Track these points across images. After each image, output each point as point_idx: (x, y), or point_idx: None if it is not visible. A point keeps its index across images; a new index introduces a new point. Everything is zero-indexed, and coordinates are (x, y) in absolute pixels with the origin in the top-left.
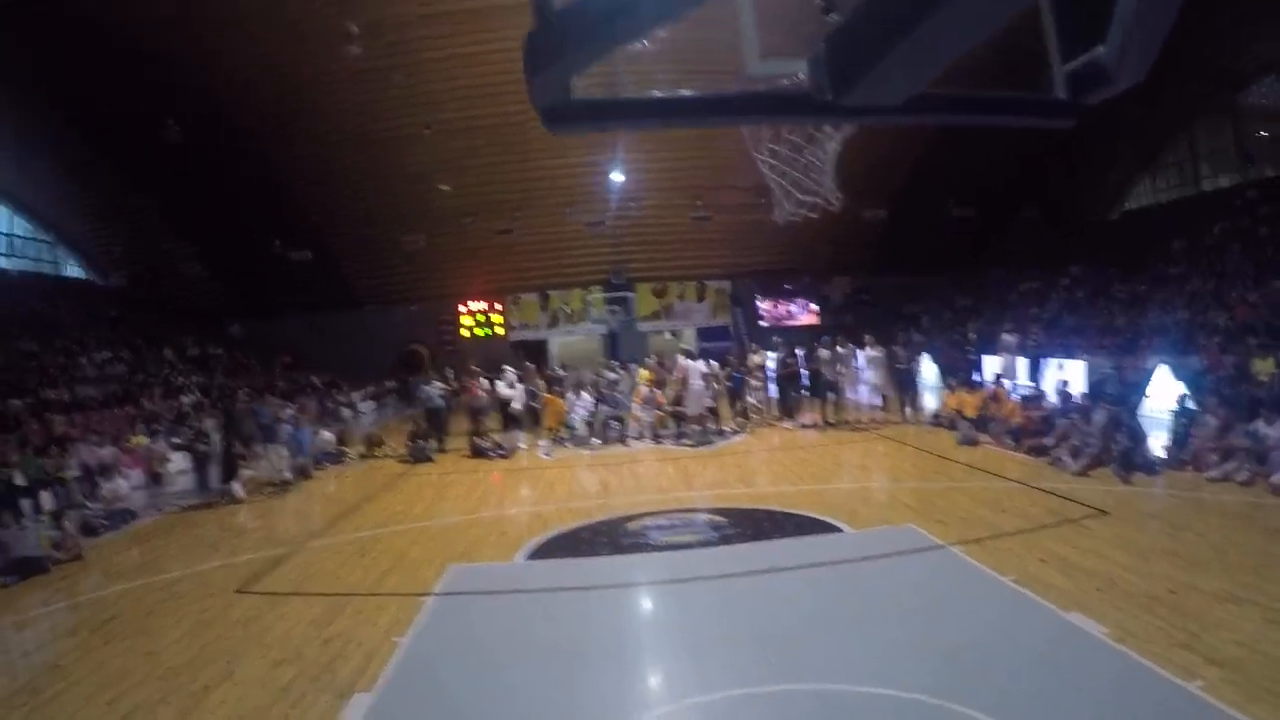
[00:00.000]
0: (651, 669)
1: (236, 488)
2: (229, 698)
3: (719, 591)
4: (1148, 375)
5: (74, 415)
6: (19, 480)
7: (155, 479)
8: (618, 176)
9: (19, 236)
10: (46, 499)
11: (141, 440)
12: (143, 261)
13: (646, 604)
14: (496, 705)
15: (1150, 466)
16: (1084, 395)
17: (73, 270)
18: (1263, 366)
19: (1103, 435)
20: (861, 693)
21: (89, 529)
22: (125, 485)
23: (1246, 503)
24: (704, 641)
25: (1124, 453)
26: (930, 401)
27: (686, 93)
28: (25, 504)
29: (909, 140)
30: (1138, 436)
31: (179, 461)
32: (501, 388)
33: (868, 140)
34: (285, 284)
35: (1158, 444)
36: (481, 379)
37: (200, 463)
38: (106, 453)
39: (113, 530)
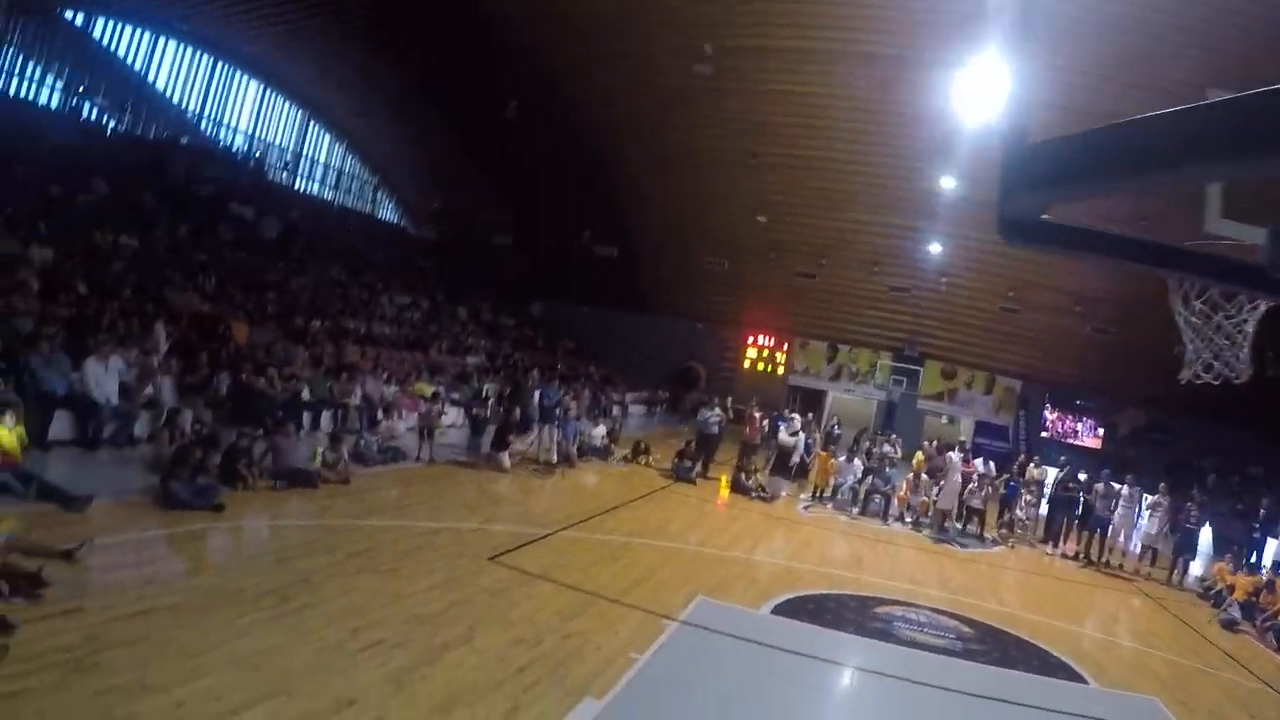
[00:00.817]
0: None
1: (505, 458)
2: (464, 662)
3: (952, 709)
4: None
5: (366, 348)
6: (306, 395)
7: (428, 428)
8: (935, 247)
9: (348, 174)
10: (326, 419)
11: (425, 388)
12: (456, 222)
13: (878, 697)
14: None
15: None
16: None
17: (387, 215)
18: None
19: None
20: None
21: (360, 458)
22: (401, 426)
23: None
24: None
25: None
26: (1198, 569)
27: (1144, 238)
28: (306, 419)
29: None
30: None
31: (452, 416)
32: (783, 434)
33: None
34: (585, 274)
35: None
36: (760, 418)
37: (476, 424)
38: (390, 390)
39: (381, 465)
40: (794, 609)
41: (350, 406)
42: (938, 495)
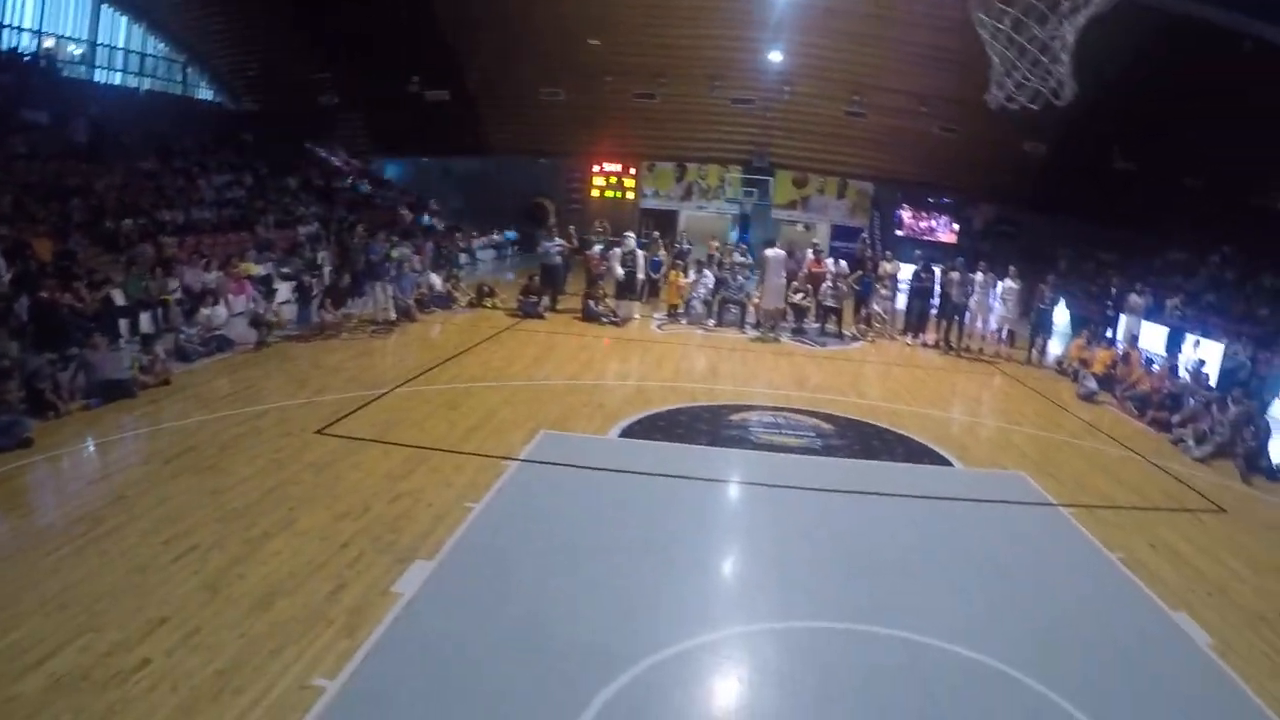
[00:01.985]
0: (725, 582)
1: (326, 315)
2: (285, 549)
3: (815, 506)
4: None
5: (185, 238)
6: (120, 300)
7: (261, 322)
8: (776, 56)
9: (152, 56)
10: (145, 321)
11: (250, 268)
12: (277, 88)
13: (735, 506)
14: (555, 594)
15: (1275, 472)
16: (1216, 379)
17: (205, 94)
18: None
19: (1232, 427)
20: (945, 651)
21: (183, 354)
22: (224, 313)
23: None
24: (789, 560)
25: (1251, 451)
26: (1056, 347)
27: None
28: (124, 325)
29: (1082, 77)
30: (1266, 436)
31: (285, 292)
32: (613, 259)
33: None
34: (419, 123)
35: None
36: (596, 247)
37: (304, 294)
38: (211, 277)
39: (207, 357)
40: (644, 429)
41: (170, 302)
42: (760, 297)
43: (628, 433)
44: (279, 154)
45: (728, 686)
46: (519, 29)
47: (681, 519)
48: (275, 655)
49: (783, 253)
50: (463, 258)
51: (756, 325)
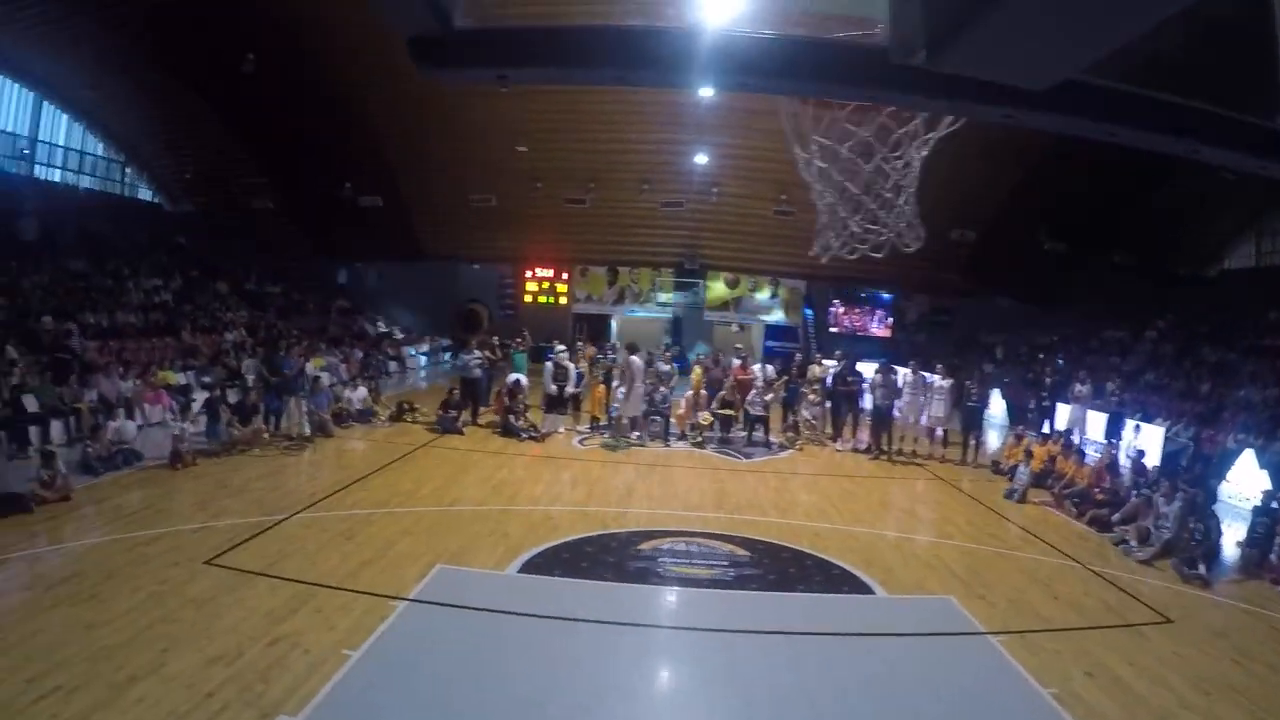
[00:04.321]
0: None
1: (233, 430)
2: (149, 695)
3: (722, 650)
4: (1230, 455)
5: (108, 342)
6: (32, 406)
7: (178, 452)
8: (701, 158)
9: (92, 155)
10: (57, 429)
11: (169, 376)
12: (213, 191)
13: (635, 655)
14: None
15: (1223, 568)
16: (1158, 468)
17: (142, 193)
18: None
19: (1177, 523)
20: None
21: (88, 467)
22: (133, 426)
23: None
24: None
25: (1195, 547)
26: (993, 442)
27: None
28: (34, 433)
29: (1006, 163)
30: (1214, 531)
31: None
32: (512, 377)
33: (961, 159)
34: (351, 228)
35: (1232, 539)
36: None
37: (213, 410)
38: (128, 386)
39: (114, 470)
40: (547, 562)
41: (85, 410)
42: (626, 402)
43: (529, 566)
44: (213, 257)
45: None
46: (449, 135)
47: (574, 671)
48: None
49: (642, 362)
50: (393, 365)
51: (681, 437)
